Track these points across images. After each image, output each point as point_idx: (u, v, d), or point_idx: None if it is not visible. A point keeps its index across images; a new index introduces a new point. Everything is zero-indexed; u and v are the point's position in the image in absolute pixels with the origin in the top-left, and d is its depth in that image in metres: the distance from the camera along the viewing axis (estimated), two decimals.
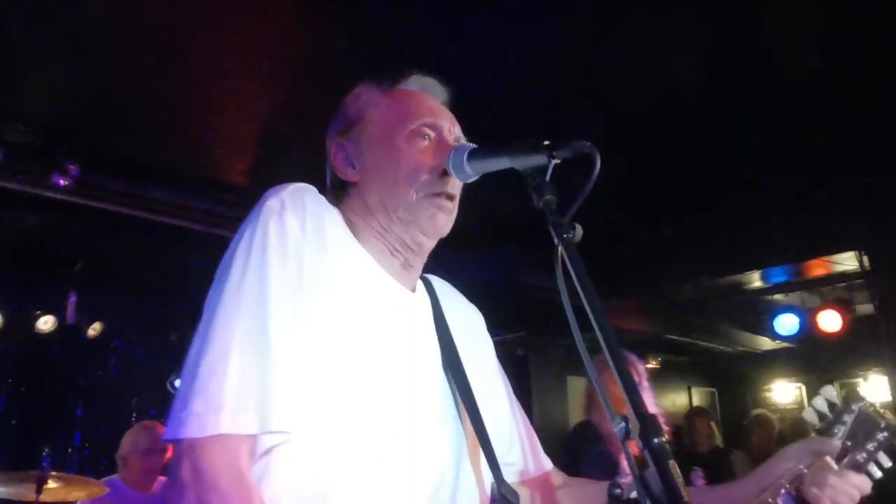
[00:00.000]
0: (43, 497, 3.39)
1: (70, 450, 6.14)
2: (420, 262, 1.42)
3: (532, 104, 3.87)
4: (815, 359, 9.31)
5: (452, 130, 1.42)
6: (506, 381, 1.60)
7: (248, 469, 1.09)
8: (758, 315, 7.83)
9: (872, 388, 9.68)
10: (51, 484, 3.41)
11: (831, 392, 1.33)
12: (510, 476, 1.48)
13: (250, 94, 3.86)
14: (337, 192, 1.43)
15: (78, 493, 3.64)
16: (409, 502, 1.20)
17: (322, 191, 1.36)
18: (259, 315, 1.13)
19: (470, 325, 1.54)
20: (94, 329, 6.14)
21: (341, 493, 1.13)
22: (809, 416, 1.34)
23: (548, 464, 1.58)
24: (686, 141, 4.37)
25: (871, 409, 1.30)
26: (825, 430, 1.30)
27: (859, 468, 1.25)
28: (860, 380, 9.82)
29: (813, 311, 7.01)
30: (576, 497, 1.52)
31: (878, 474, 1.26)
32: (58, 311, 5.87)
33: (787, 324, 7.32)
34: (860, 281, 6.35)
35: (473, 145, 1.33)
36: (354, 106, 1.45)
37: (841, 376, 9.89)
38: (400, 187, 1.33)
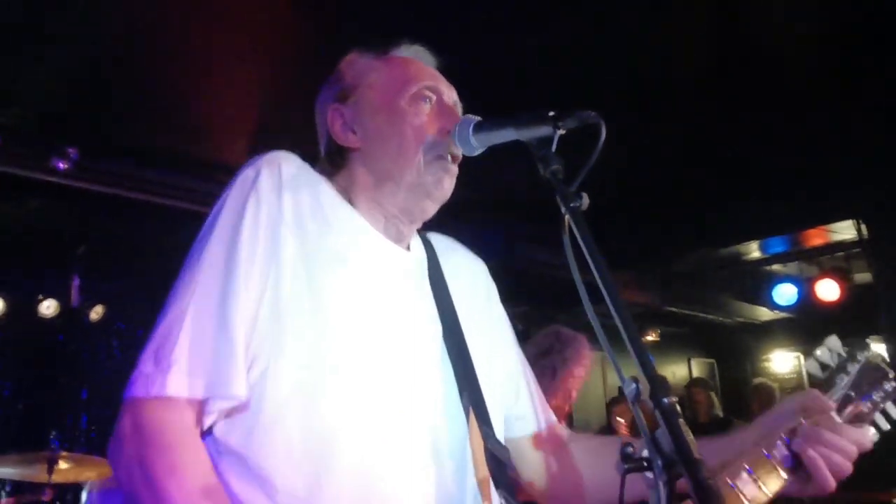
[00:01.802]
0: (54, 477, 3.43)
1: (77, 432, 6.19)
2: (418, 225, 1.43)
3: (530, 78, 3.87)
4: (813, 328, 9.36)
5: (450, 94, 1.43)
6: (511, 331, 1.58)
7: (194, 429, 1.09)
8: (756, 286, 7.87)
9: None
10: (61, 464, 3.45)
11: (835, 342, 1.29)
12: (520, 431, 1.48)
13: (248, 75, 3.85)
14: (334, 160, 1.41)
15: (88, 473, 3.68)
16: (411, 457, 1.20)
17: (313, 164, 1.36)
18: (219, 283, 1.15)
19: (469, 277, 1.53)
20: (97, 312, 6.17)
21: (346, 448, 1.14)
22: (811, 366, 1.29)
23: (553, 417, 1.57)
24: (684, 112, 4.37)
25: (879, 359, 1.26)
26: (828, 379, 1.26)
27: (863, 419, 1.23)
28: None
29: (811, 281, 7.06)
30: (587, 451, 1.50)
31: (886, 426, 1.23)
32: (60, 296, 5.89)
33: (785, 294, 7.38)
34: (858, 250, 6.38)
35: (478, 118, 1.33)
36: (351, 71, 1.43)
37: None
38: (406, 150, 1.33)
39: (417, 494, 1.18)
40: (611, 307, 1.00)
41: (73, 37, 3.42)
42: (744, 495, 1.13)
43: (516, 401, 1.50)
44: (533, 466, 1.50)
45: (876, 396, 1.23)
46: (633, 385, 0.91)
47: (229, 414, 1.15)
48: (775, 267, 7.53)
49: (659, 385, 0.90)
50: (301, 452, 1.13)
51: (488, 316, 1.52)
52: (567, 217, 1.08)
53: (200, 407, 1.11)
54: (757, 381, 7.95)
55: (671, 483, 0.87)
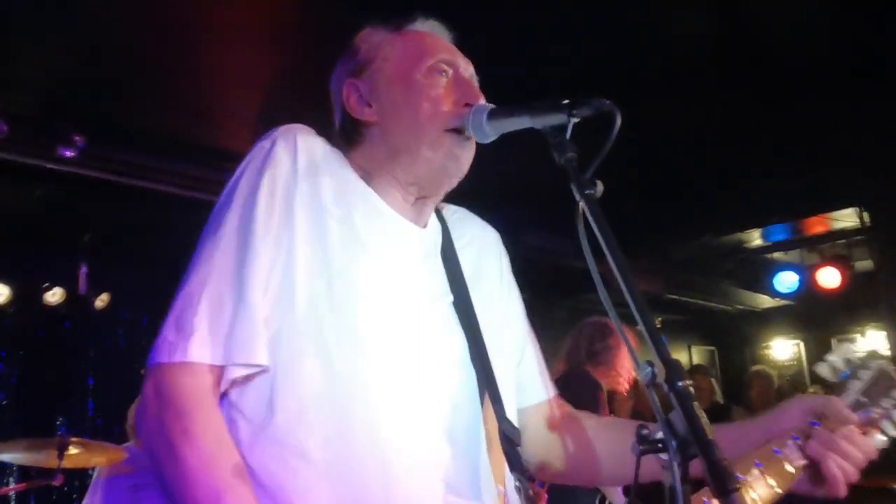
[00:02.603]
0: (64, 463, 3.45)
1: (84, 419, 6.23)
2: (436, 201, 1.43)
3: (533, 62, 3.87)
4: (813, 316, 9.41)
5: (467, 68, 1.43)
6: (520, 302, 1.58)
7: (212, 394, 1.13)
8: (757, 273, 7.90)
9: (870, 343, 9.80)
10: (72, 450, 3.47)
11: (849, 349, 1.34)
12: (525, 401, 1.48)
13: (253, 61, 3.85)
14: (350, 136, 1.42)
15: (98, 459, 3.71)
16: (426, 435, 1.22)
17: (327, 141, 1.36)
18: (237, 253, 1.17)
19: (481, 247, 1.52)
20: (102, 300, 6.17)
21: (360, 423, 1.16)
22: (824, 371, 1.33)
23: (553, 390, 1.57)
24: (685, 100, 4.37)
25: (891, 368, 1.30)
26: (841, 384, 1.29)
27: (873, 424, 1.27)
28: (858, 335, 9.94)
29: (812, 269, 7.08)
30: (598, 426, 1.51)
31: (894, 432, 1.28)
32: (65, 283, 5.90)
33: (786, 281, 7.40)
34: (859, 237, 6.40)
35: (492, 105, 1.35)
36: (366, 45, 1.43)
37: (839, 332, 10.00)
38: (423, 123, 1.33)
39: (432, 471, 1.20)
40: (626, 294, 1.02)
41: (78, 23, 3.42)
42: (753, 489, 1.16)
43: (520, 369, 1.51)
44: (543, 441, 1.50)
45: (886, 404, 1.27)
46: (649, 369, 0.93)
47: (243, 379, 1.18)
48: (776, 254, 7.55)
49: (674, 369, 0.92)
50: (314, 421, 1.15)
51: (498, 286, 1.52)
52: (581, 204, 1.09)
53: (220, 373, 1.14)
54: (755, 367, 7.99)
55: (685, 464, 0.89)
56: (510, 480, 1.28)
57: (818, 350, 10.11)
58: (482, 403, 1.30)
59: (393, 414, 1.19)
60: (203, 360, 1.11)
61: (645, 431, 0.92)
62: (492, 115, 1.31)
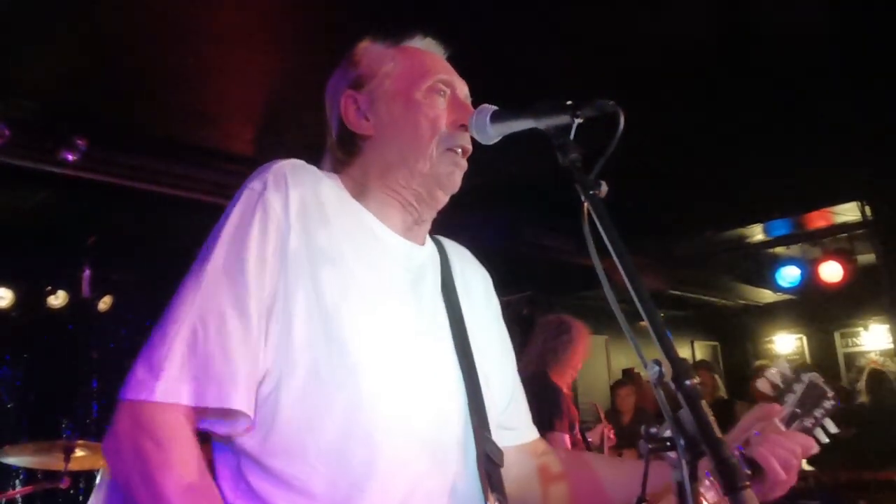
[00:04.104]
0: (71, 465, 3.47)
1: (88, 421, 6.25)
2: (431, 217, 1.44)
3: (535, 58, 3.87)
4: (815, 310, 9.42)
5: (462, 89, 1.45)
6: (511, 348, 1.61)
7: (186, 427, 1.11)
8: (760, 268, 7.89)
9: (873, 337, 9.81)
10: (78, 452, 3.49)
11: (784, 365, 1.43)
12: (510, 441, 1.49)
13: (254, 63, 3.86)
14: (346, 147, 1.42)
15: (104, 461, 3.72)
16: (421, 454, 1.24)
17: (315, 160, 1.37)
18: (221, 297, 1.16)
19: (478, 287, 1.56)
20: (105, 303, 6.20)
21: (360, 449, 1.18)
22: (763, 386, 1.42)
23: (536, 433, 1.61)
24: (686, 95, 4.37)
25: (820, 380, 1.41)
26: (778, 397, 1.39)
27: (807, 432, 1.35)
28: (861, 329, 9.95)
29: (814, 263, 7.08)
30: (581, 462, 1.56)
31: (825, 439, 1.37)
32: (68, 286, 5.92)
33: (788, 275, 7.41)
34: (861, 231, 6.40)
35: (495, 107, 1.36)
36: (367, 59, 1.44)
37: (841, 326, 10.02)
38: (420, 141, 1.35)
39: (426, 488, 1.22)
40: (632, 293, 1.02)
41: (79, 26, 3.42)
42: (706, 499, 1.20)
43: (508, 413, 1.52)
44: (523, 479, 1.51)
45: (817, 413, 1.37)
46: (656, 367, 0.93)
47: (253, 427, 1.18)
48: (778, 249, 7.55)
49: (681, 367, 0.92)
50: (316, 455, 1.16)
51: (491, 326, 1.55)
52: (586, 204, 1.10)
53: (192, 412, 1.12)
54: (759, 362, 8.00)
55: (694, 462, 0.90)
56: (492, 500, 1.31)
57: (821, 344, 10.13)
58: (471, 424, 1.33)
59: (392, 435, 1.21)
60: (169, 399, 1.10)
61: (654, 430, 0.93)
62: (495, 116, 1.32)
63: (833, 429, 1.38)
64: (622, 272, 1.04)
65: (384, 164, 1.38)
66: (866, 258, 6.90)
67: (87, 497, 5.79)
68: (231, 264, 1.18)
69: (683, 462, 0.90)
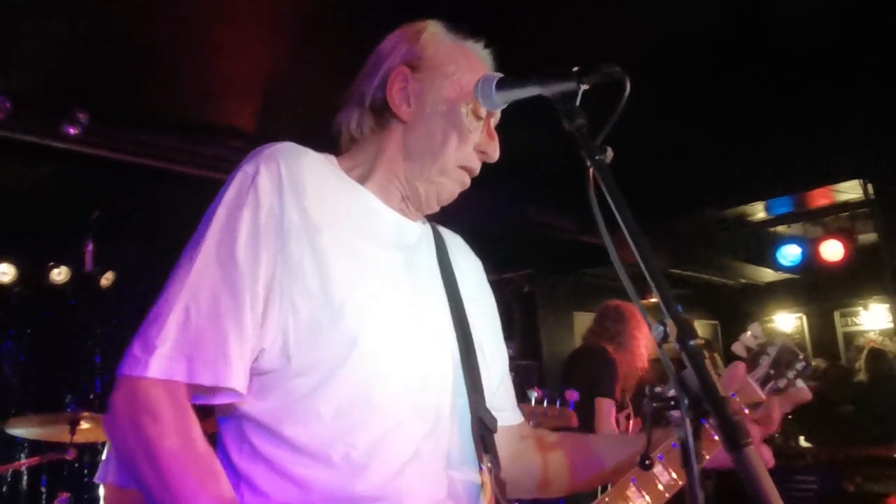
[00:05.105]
0: (77, 438, 3.50)
1: (91, 396, 6.29)
2: (420, 214, 1.48)
3: (540, 34, 3.85)
4: (816, 289, 9.44)
5: (496, 118, 1.47)
6: (501, 334, 1.65)
7: (184, 400, 1.15)
8: (760, 247, 7.89)
9: (872, 317, 9.84)
10: (83, 424, 3.52)
11: (758, 329, 1.54)
12: (500, 421, 1.51)
13: (255, 38, 3.83)
14: (373, 117, 1.43)
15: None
16: (423, 420, 1.28)
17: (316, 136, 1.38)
18: (213, 279, 1.19)
19: (472, 271, 1.60)
20: (107, 279, 6.22)
21: (366, 417, 1.22)
22: (738, 349, 1.52)
23: (521, 417, 1.66)
24: (688, 73, 4.35)
25: (791, 344, 1.51)
26: (751, 360, 1.49)
27: (781, 392, 1.46)
28: (860, 309, 9.97)
29: (815, 242, 7.08)
30: (572, 444, 1.60)
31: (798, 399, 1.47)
32: (71, 262, 5.93)
33: (789, 254, 7.40)
34: (863, 210, 6.40)
35: (500, 74, 1.36)
36: (433, 48, 1.44)
37: (842, 306, 10.04)
38: (445, 151, 1.38)
39: (424, 452, 1.26)
40: (636, 254, 1.03)
41: (81, 1, 3.40)
42: (659, 482, 1.34)
43: (498, 395, 1.56)
44: (508, 459, 1.54)
45: (790, 374, 1.47)
46: (661, 327, 0.94)
47: (256, 395, 1.22)
48: (780, 228, 7.55)
49: (686, 327, 0.94)
50: (319, 421, 1.20)
51: (484, 311, 1.57)
52: (592, 170, 1.10)
53: (186, 387, 1.16)
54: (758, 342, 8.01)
55: (697, 420, 0.91)
56: (486, 462, 1.36)
57: (821, 324, 10.15)
58: (467, 392, 1.37)
59: (394, 403, 1.25)
60: (162, 376, 1.13)
61: (658, 389, 0.95)
62: (501, 83, 1.33)
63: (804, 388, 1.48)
64: (627, 236, 1.04)
65: (402, 153, 1.40)
66: (867, 237, 6.90)
67: (92, 470, 5.86)
68: (223, 246, 1.21)
69: (687, 421, 0.91)
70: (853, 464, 5.37)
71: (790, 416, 1.50)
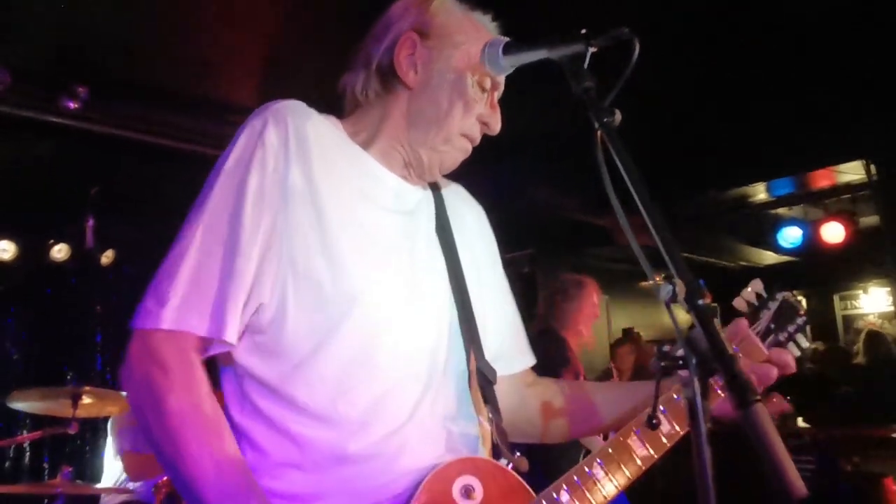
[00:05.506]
0: (78, 412, 3.51)
1: (92, 374, 6.31)
2: (422, 180, 1.49)
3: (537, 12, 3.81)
4: (815, 272, 9.44)
5: (499, 91, 1.47)
6: (505, 279, 1.66)
7: (192, 354, 1.18)
8: (761, 228, 7.88)
9: (871, 300, 9.86)
10: (85, 399, 3.53)
11: (759, 285, 1.53)
12: (502, 370, 1.53)
13: (258, 13, 3.80)
14: (379, 80, 1.42)
15: (111, 408, 3.77)
16: (419, 374, 1.31)
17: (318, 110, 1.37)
18: (222, 232, 1.21)
19: (472, 223, 1.61)
20: (108, 257, 6.21)
21: (362, 371, 1.25)
22: (739, 304, 1.51)
23: (530, 361, 1.66)
24: (689, 53, 4.33)
25: (793, 298, 1.52)
26: (752, 314, 1.49)
27: (781, 346, 1.47)
28: (860, 292, 9.99)
29: (816, 224, 7.07)
30: (567, 388, 1.62)
31: (797, 352, 1.48)
32: (71, 240, 5.92)
33: (790, 236, 7.39)
34: (864, 192, 6.38)
35: (507, 38, 1.35)
36: (443, 16, 1.43)
37: (841, 289, 10.06)
38: (450, 120, 1.38)
39: (424, 409, 1.29)
40: (644, 215, 1.03)
41: None
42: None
43: (505, 343, 1.58)
44: (513, 407, 1.56)
45: (791, 328, 1.49)
46: (669, 286, 0.94)
47: (249, 348, 1.25)
48: (781, 210, 7.54)
49: (694, 287, 0.93)
50: (321, 380, 1.23)
51: (483, 262, 1.58)
52: (600, 132, 1.10)
53: (198, 340, 1.19)
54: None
55: (705, 379, 0.91)
56: (485, 413, 1.39)
57: (820, 306, 10.17)
58: (465, 346, 1.40)
59: (392, 357, 1.28)
60: (174, 327, 1.17)
61: (666, 348, 0.94)
62: (507, 48, 1.32)
63: (805, 343, 1.50)
64: (636, 198, 1.04)
65: (406, 120, 1.41)
66: (868, 220, 6.89)
67: (93, 444, 5.89)
68: (230, 201, 1.23)
69: (695, 380, 0.91)
70: (851, 444, 5.40)
71: (788, 399, 1.52)
